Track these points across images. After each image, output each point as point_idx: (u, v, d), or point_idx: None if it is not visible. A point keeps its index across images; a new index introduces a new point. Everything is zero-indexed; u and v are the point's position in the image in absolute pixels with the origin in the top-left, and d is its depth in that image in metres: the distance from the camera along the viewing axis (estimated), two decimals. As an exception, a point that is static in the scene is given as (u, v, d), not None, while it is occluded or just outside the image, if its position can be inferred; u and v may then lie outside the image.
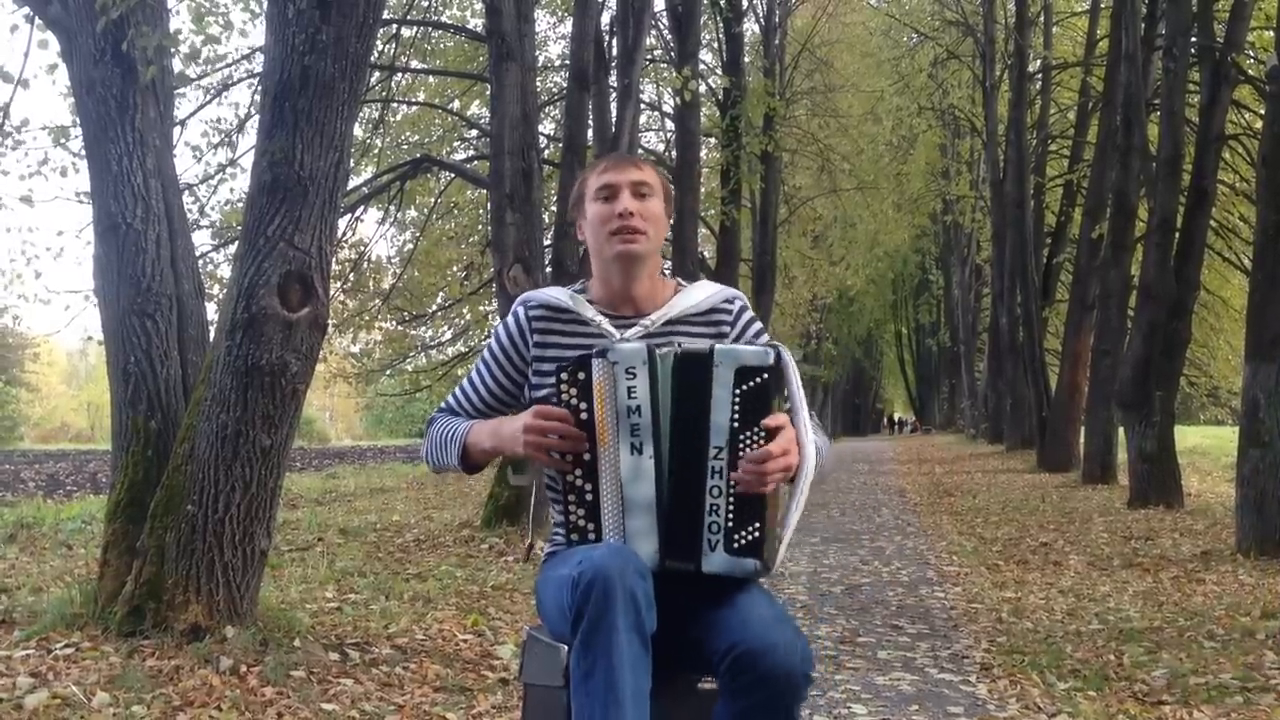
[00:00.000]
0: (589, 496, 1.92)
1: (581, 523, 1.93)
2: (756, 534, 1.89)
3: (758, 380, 1.89)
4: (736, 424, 1.89)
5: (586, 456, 1.93)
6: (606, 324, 2.10)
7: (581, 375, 1.93)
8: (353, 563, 6.62)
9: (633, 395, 1.90)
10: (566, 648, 1.84)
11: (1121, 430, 11.98)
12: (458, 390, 2.21)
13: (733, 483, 1.89)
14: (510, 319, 2.17)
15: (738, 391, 1.89)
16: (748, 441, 1.89)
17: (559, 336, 2.12)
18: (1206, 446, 21.25)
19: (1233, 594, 6.00)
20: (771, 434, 1.88)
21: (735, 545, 1.89)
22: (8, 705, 3.18)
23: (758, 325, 2.18)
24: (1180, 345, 10.80)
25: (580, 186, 2.19)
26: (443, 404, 2.23)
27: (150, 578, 3.89)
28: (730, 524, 1.89)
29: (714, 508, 1.89)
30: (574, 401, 1.93)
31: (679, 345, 1.96)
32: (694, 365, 1.91)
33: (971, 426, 31.94)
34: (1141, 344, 10.57)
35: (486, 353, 2.19)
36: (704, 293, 2.17)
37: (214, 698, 3.34)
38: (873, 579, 6.79)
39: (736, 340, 2.13)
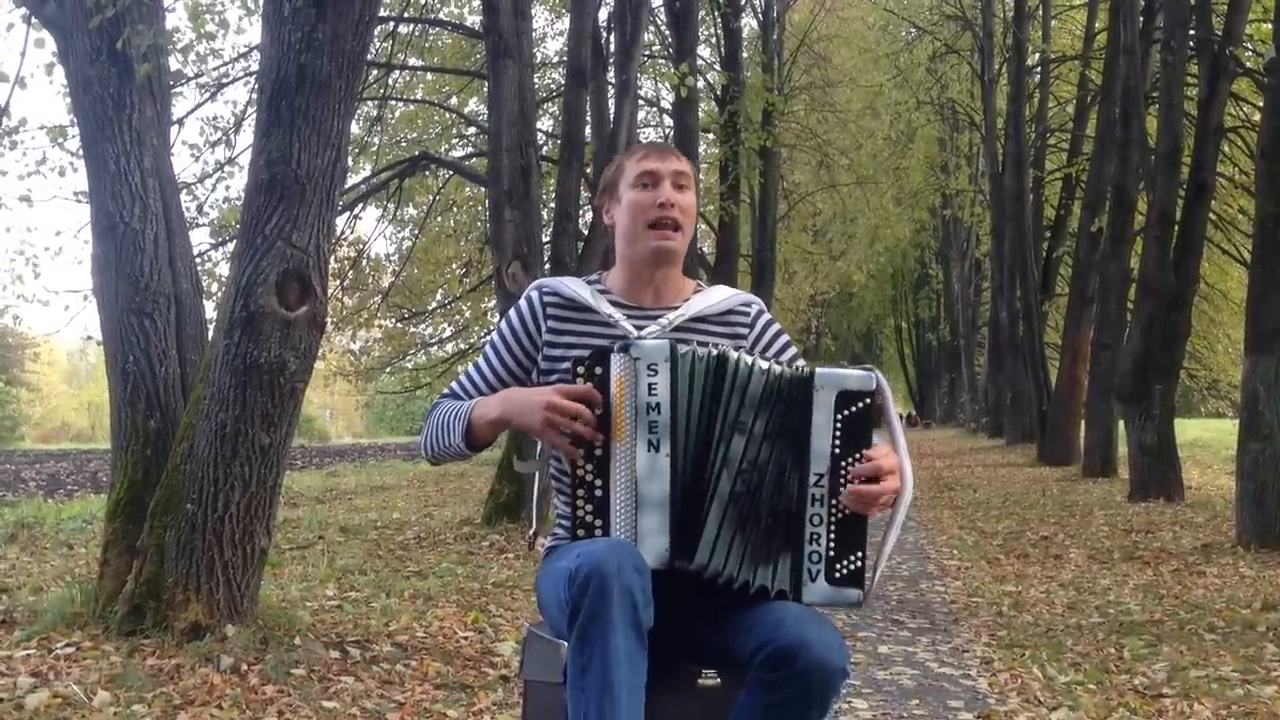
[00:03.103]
0: (599, 492, 1.89)
1: (590, 519, 1.89)
2: (859, 563, 1.86)
3: (860, 405, 1.86)
4: (838, 450, 1.86)
5: (598, 451, 1.90)
6: (624, 321, 2.07)
7: (598, 370, 1.90)
8: (353, 560, 6.62)
9: (653, 392, 1.88)
10: (567, 645, 1.84)
11: (1122, 423, 11.99)
12: (463, 376, 2.17)
13: (834, 510, 1.86)
14: (523, 302, 2.14)
15: (839, 417, 1.86)
16: (849, 469, 1.86)
17: (573, 325, 2.09)
18: (1207, 439, 21.25)
19: (1233, 587, 6.00)
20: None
21: (838, 575, 1.86)
22: (8, 705, 3.18)
23: (777, 327, 2.16)
24: (1180, 338, 10.81)
25: (615, 171, 2.15)
26: (446, 390, 2.19)
27: (150, 577, 3.89)
28: (832, 553, 1.86)
29: (814, 536, 1.86)
30: None
31: (763, 358, 1.91)
32: (791, 386, 1.88)
33: (972, 421, 31.95)
34: (1141, 337, 10.58)
35: (496, 336, 2.16)
36: (722, 295, 2.15)
37: (215, 696, 3.34)
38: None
39: (757, 346, 2.11)
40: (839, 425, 1.86)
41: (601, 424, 1.89)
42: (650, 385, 1.88)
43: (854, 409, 1.86)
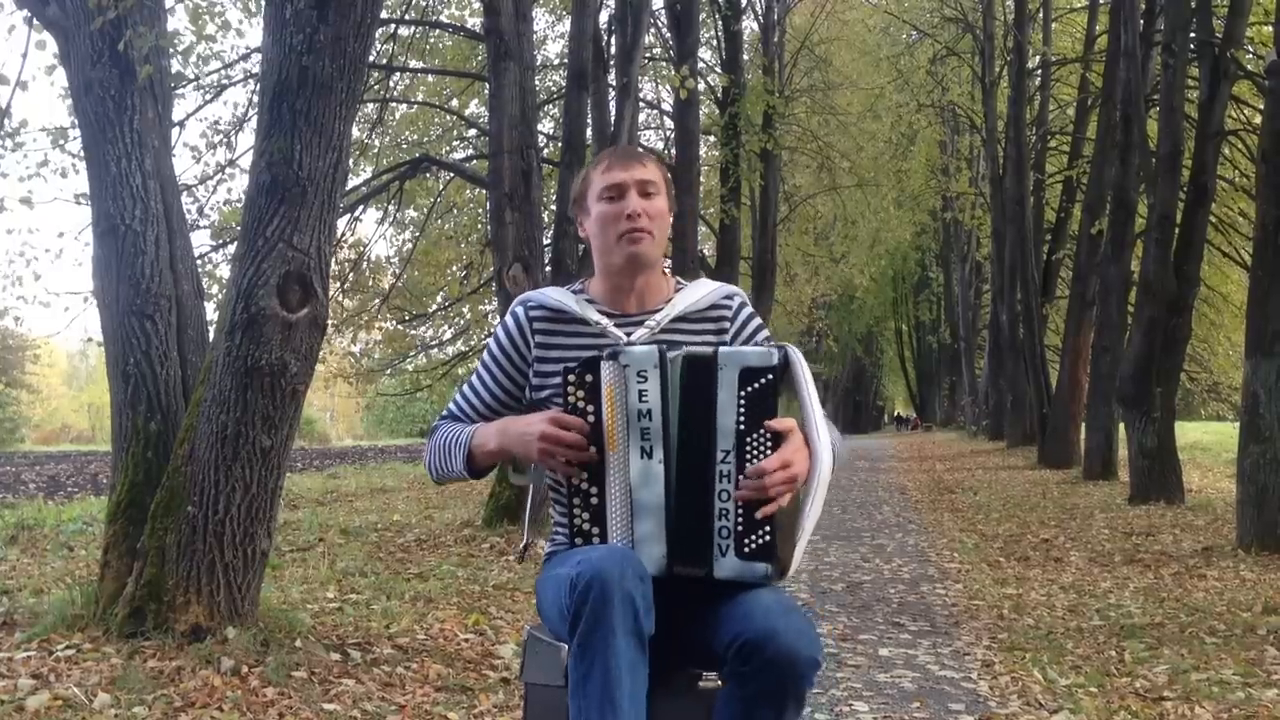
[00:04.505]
0: (594, 500, 1.90)
1: (586, 526, 1.91)
2: (767, 537, 1.87)
3: (762, 381, 1.88)
4: (742, 426, 1.88)
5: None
6: (611, 326, 2.07)
7: (589, 378, 1.91)
8: (354, 563, 6.62)
9: (644, 398, 1.89)
10: (567, 647, 1.84)
11: (1122, 426, 11.99)
12: (458, 396, 2.18)
13: (740, 488, 1.88)
14: (509, 319, 2.14)
15: (743, 394, 1.88)
16: (754, 444, 1.87)
17: (561, 338, 2.09)
18: (1207, 442, 21.25)
19: (1234, 589, 6.00)
20: (778, 438, 1.87)
21: (746, 550, 1.87)
22: (9, 707, 3.18)
23: (757, 321, 2.17)
24: (1180, 341, 10.80)
25: (583, 184, 2.15)
26: (444, 411, 2.20)
27: (151, 579, 3.89)
28: (740, 528, 1.88)
29: (723, 512, 1.88)
30: (580, 404, 1.91)
31: (683, 348, 1.94)
32: (698, 368, 1.90)
33: (972, 423, 31.92)
34: (1142, 340, 10.58)
35: (486, 355, 2.16)
36: (703, 290, 2.15)
37: (215, 698, 3.34)
38: (874, 576, 6.79)
39: (737, 337, 2.12)
40: (742, 402, 1.88)
41: (595, 432, 1.90)
42: (641, 392, 1.89)
43: (755, 385, 1.88)
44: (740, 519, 1.88)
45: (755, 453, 1.87)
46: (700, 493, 1.89)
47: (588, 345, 2.05)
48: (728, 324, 2.14)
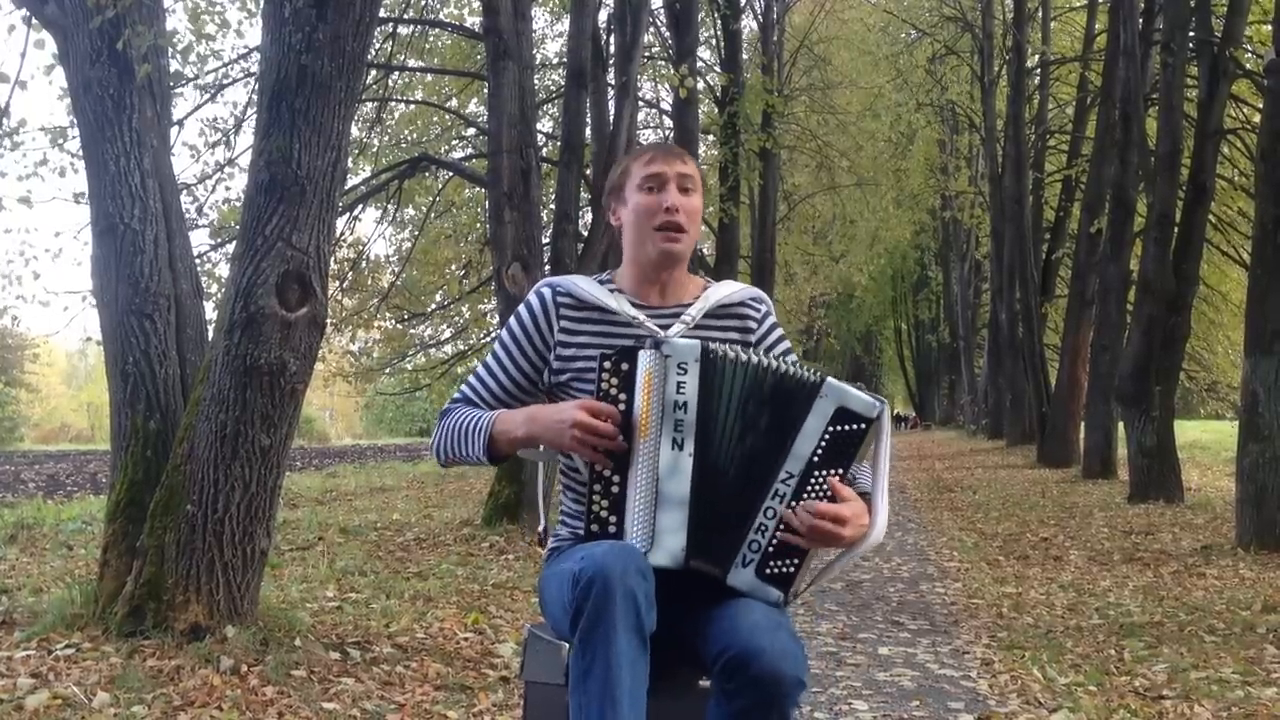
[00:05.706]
0: (615, 489, 1.89)
1: (604, 514, 1.89)
2: (791, 568, 1.89)
3: (853, 427, 1.88)
4: (817, 459, 1.88)
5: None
6: (648, 321, 2.07)
7: (625, 366, 1.90)
8: (353, 562, 6.62)
9: (681, 390, 1.89)
10: (568, 645, 1.84)
11: (1121, 425, 12.00)
12: (472, 379, 2.15)
13: (789, 510, 1.88)
14: (534, 299, 2.12)
15: (830, 429, 1.88)
16: (819, 481, 1.88)
17: (587, 324, 2.08)
18: (1206, 441, 21.27)
19: (1233, 588, 6.00)
20: (839, 493, 1.88)
21: (767, 571, 1.88)
22: (8, 706, 3.18)
23: (780, 333, 2.18)
24: (1179, 340, 10.82)
25: (621, 175, 2.16)
26: (456, 394, 2.17)
27: (150, 578, 3.88)
28: (771, 549, 1.88)
29: (761, 527, 1.88)
30: (613, 392, 1.91)
31: (781, 360, 1.94)
32: (798, 387, 1.90)
33: (971, 422, 31.95)
34: (1141, 339, 10.59)
35: (505, 336, 2.13)
36: (733, 288, 2.17)
37: (215, 697, 3.34)
38: (873, 575, 6.79)
39: (760, 343, 2.12)
40: (826, 436, 1.88)
41: (624, 421, 1.90)
42: (679, 384, 1.89)
43: (846, 427, 1.89)
44: (775, 541, 1.88)
45: (815, 490, 1.88)
46: (747, 497, 1.89)
47: (614, 335, 2.06)
48: (754, 324, 2.14)
